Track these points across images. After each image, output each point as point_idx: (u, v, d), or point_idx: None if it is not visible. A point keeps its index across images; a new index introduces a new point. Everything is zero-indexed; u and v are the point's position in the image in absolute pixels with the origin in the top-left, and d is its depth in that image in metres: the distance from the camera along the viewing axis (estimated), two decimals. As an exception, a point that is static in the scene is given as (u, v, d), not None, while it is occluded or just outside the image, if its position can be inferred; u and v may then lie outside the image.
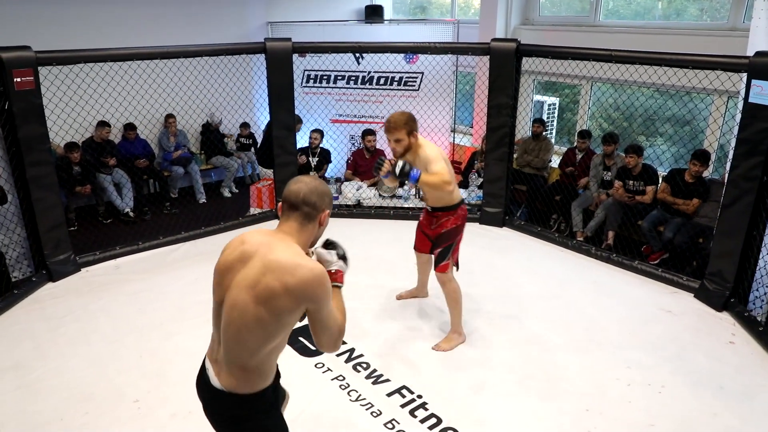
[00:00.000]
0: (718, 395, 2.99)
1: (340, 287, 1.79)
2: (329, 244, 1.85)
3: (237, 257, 1.66)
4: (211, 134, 6.59)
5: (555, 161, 5.90)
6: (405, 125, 3.00)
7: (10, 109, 3.81)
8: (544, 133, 5.82)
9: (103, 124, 5.70)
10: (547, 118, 6.29)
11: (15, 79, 3.77)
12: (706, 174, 4.67)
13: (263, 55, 5.07)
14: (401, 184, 3.15)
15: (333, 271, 1.78)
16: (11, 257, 4.11)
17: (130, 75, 5.01)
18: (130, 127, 6.04)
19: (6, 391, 2.98)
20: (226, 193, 6.78)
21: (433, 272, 3.47)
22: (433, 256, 3.37)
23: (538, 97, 6.40)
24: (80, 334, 3.52)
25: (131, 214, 5.76)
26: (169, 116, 6.25)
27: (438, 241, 3.26)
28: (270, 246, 1.64)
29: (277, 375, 1.85)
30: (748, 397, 2.98)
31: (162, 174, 6.31)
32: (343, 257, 1.83)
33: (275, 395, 1.82)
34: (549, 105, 6.34)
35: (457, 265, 3.35)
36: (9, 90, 3.77)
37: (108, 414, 2.82)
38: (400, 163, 2.93)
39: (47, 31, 5.40)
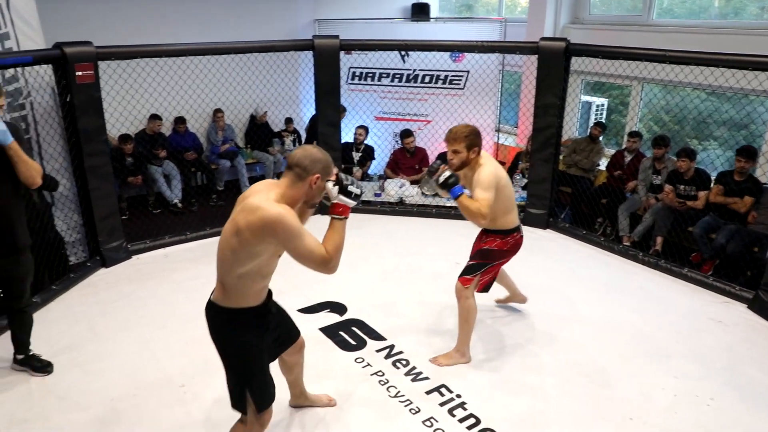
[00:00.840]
0: (773, 411, 2.85)
1: (339, 219, 2.05)
2: (339, 180, 2.08)
3: (239, 199, 2.12)
4: (256, 127, 6.69)
5: (602, 164, 5.75)
6: (465, 138, 2.85)
7: (72, 101, 3.97)
8: (600, 138, 5.67)
9: (155, 117, 5.88)
10: (595, 119, 6.13)
11: (77, 73, 3.93)
12: (762, 177, 4.46)
13: (311, 52, 5.13)
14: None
15: (335, 204, 2.07)
16: (68, 242, 4.30)
17: (183, 70, 5.14)
18: (180, 121, 6.21)
19: (62, 369, 3.12)
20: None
21: (504, 277, 3.48)
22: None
23: (585, 98, 6.24)
24: (130, 318, 3.65)
25: (179, 205, 5.92)
26: (218, 111, 6.39)
27: (474, 255, 3.15)
28: (255, 192, 2.05)
29: (267, 310, 2.18)
30: (806, 414, 2.83)
31: (209, 167, 6.46)
32: (345, 191, 2.06)
33: (259, 322, 2.14)
34: (597, 106, 6.17)
35: (485, 289, 3.22)
36: (71, 83, 3.93)
37: (155, 397, 2.91)
38: (446, 174, 2.80)
39: (104, 27, 5.61)
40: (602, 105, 6.19)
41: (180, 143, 6.26)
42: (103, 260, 4.35)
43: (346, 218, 2.07)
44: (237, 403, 2.19)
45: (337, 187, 2.08)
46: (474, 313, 3.12)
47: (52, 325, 3.54)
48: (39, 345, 3.18)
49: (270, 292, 2.23)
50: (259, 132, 6.61)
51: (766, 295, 3.72)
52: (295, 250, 1.98)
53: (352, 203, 2.08)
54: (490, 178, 2.82)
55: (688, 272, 4.24)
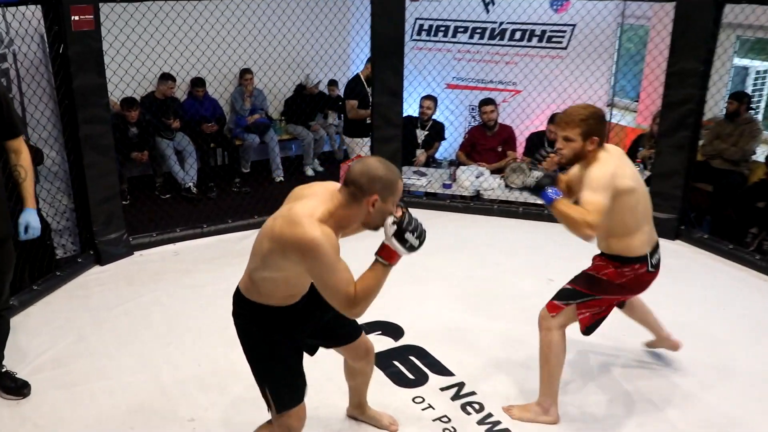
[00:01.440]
0: None
1: (383, 264, 2.22)
2: (402, 221, 2.21)
3: (295, 193, 2.37)
4: (303, 99, 6.73)
5: (761, 153, 5.47)
6: (582, 123, 2.72)
7: (65, 53, 4.10)
8: (747, 114, 5.40)
9: (166, 78, 6.04)
10: (754, 90, 5.84)
11: (73, 17, 4.05)
12: None
13: (369, -3, 5.11)
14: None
15: (386, 245, 2.22)
16: (54, 231, 4.45)
17: (206, 18, 5.23)
18: (198, 83, 6.35)
19: (43, 390, 3.20)
20: (309, 172, 6.95)
21: (644, 313, 3.36)
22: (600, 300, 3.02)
23: (740, 62, 5.95)
24: (130, 330, 3.73)
25: (194, 190, 6.06)
26: (246, 71, 6.49)
27: (576, 278, 3.01)
28: (309, 196, 2.27)
29: (299, 307, 2.42)
30: None
31: (233, 142, 6.58)
32: (399, 235, 2.18)
33: (286, 321, 2.41)
34: (757, 72, 5.89)
35: (587, 330, 3.00)
36: (66, 30, 4.05)
37: (157, 431, 2.94)
38: (538, 172, 2.77)
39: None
40: (765, 71, 5.90)
41: (197, 111, 6.40)
42: (98, 256, 4.48)
43: (391, 265, 2.23)
44: (265, 400, 2.50)
45: (395, 227, 2.19)
46: (557, 352, 2.96)
47: (32, 335, 3.66)
48: (14, 360, 3.28)
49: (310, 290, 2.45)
50: (308, 105, 6.62)
51: None
52: (320, 281, 2.19)
53: (403, 252, 2.20)
54: (603, 178, 2.66)
55: None
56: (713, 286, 4.38)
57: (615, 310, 3.11)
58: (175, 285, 4.24)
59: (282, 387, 2.44)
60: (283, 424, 2.44)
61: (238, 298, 2.44)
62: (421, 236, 2.21)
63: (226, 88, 6.51)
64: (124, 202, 5.42)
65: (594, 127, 2.73)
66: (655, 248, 2.88)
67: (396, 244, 2.19)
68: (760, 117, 5.98)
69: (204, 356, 3.48)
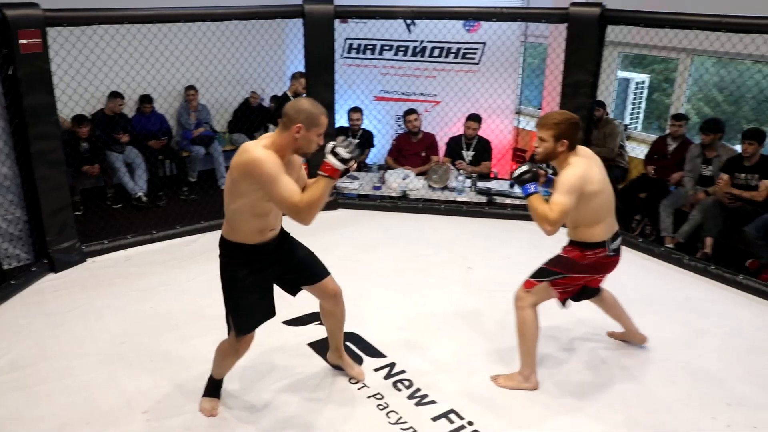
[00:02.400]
0: None
1: (323, 176, 2.44)
2: (339, 142, 2.47)
3: None
4: (250, 111, 6.62)
5: (641, 151, 5.70)
6: (555, 126, 2.80)
7: (15, 74, 3.91)
8: (605, 117, 5.64)
9: (115, 96, 5.83)
10: (634, 98, 6.08)
11: (20, 41, 3.87)
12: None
13: (300, 20, 5.07)
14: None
15: (324, 161, 2.46)
16: (7, 243, 4.23)
17: (150, 40, 5.09)
18: (145, 100, 6.16)
19: (1, 392, 3.06)
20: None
21: (614, 308, 3.39)
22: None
23: (623, 74, 6.19)
24: (85, 332, 3.60)
25: (144, 198, 5.88)
26: (190, 88, 6.34)
27: (549, 260, 3.08)
28: (258, 139, 2.55)
29: (267, 248, 2.66)
30: None
31: (180, 154, 6.42)
32: (333, 152, 2.44)
33: (252, 259, 2.64)
34: (637, 83, 6.13)
35: (563, 303, 3.12)
36: (14, 53, 3.87)
37: (113, 425, 2.85)
38: (524, 167, 2.84)
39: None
40: (642, 82, 6.15)
41: (145, 126, 6.21)
42: (52, 264, 4.30)
43: (330, 177, 2.44)
44: (227, 324, 2.76)
45: (331, 146, 2.45)
46: (531, 326, 3.04)
47: (-9, 340, 3.50)
48: (-26, 363, 3.14)
49: (282, 235, 2.76)
50: (254, 116, 6.51)
51: (837, 308, 3.66)
52: (271, 194, 2.42)
53: (339, 165, 2.44)
54: (572, 181, 2.75)
55: (744, 280, 4.19)
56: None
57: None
58: (127, 288, 4.11)
59: (242, 315, 2.70)
60: (233, 345, 2.77)
61: (221, 241, 2.66)
62: (352, 153, 2.45)
63: (171, 104, 6.33)
64: (76, 213, 5.20)
65: (565, 131, 2.79)
66: (615, 236, 2.98)
67: (332, 159, 2.43)
68: (639, 121, 6.23)
69: (156, 353, 3.39)
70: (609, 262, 3.02)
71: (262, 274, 2.70)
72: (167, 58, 5.32)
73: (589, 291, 3.21)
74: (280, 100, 5.88)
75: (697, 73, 5.65)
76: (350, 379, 3.20)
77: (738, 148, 5.22)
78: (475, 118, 5.85)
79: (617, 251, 3.01)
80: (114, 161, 5.83)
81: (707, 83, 5.58)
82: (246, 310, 2.71)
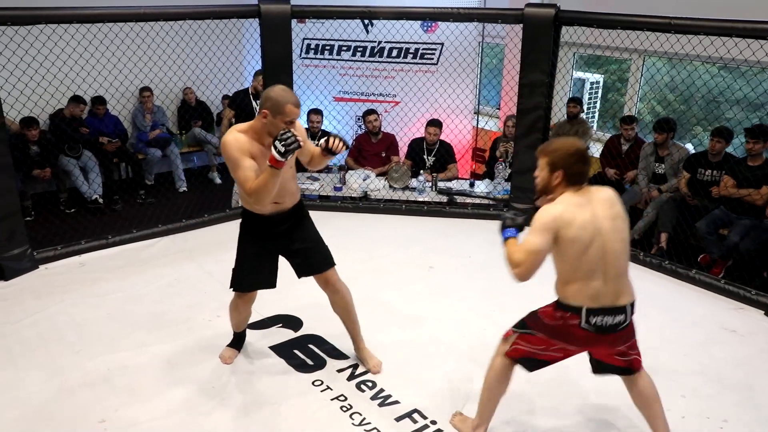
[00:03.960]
0: (793, 432, 2.91)
1: (269, 166, 2.60)
2: (279, 134, 2.60)
3: None
4: (191, 109, 6.55)
5: (596, 150, 5.83)
6: (549, 153, 2.42)
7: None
8: (581, 115, 5.76)
9: (77, 100, 5.70)
10: (589, 98, 6.22)
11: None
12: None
13: (257, 20, 5.03)
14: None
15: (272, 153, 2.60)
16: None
17: (100, 40, 4.96)
18: (98, 102, 6.02)
19: (-51, 406, 2.95)
20: (218, 179, 6.76)
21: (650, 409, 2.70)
22: None
23: (578, 74, 6.32)
24: (38, 342, 3.49)
25: (100, 201, 5.74)
26: (145, 89, 6.22)
27: (530, 311, 2.66)
28: None
29: (275, 222, 2.94)
30: (830, 434, 2.90)
31: (136, 157, 6.29)
32: (274, 145, 2.57)
33: (259, 227, 2.95)
34: (591, 83, 6.26)
35: (528, 365, 2.63)
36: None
37: (67, 436, 2.78)
38: (509, 215, 2.56)
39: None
40: (597, 82, 6.28)
41: (99, 128, 6.07)
42: (2, 272, 4.16)
43: (274, 167, 2.58)
44: None
45: (277, 140, 2.58)
46: (493, 377, 2.67)
47: (-63, 352, 3.36)
48: None
49: (296, 215, 3.00)
50: (194, 114, 6.46)
51: (783, 299, 3.81)
52: (233, 175, 2.71)
53: (276, 155, 2.56)
54: (544, 219, 2.35)
55: (696, 274, 4.32)
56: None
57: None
58: (82, 295, 4.00)
59: (238, 273, 3.02)
60: (234, 300, 3.13)
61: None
62: (289, 145, 2.55)
63: (124, 106, 6.18)
64: (27, 219, 5.05)
65: (561, 160, 2.39)
66: (604, 310, 2.41)
67: (273, 150, 2.56)
68: (595, 120, 6.38)
69: (113, 361, 3.31)
70: (581, 336, 2.45)
71: (263, 244, 2.97)
72: (119, 58, 5.21)
73: (598, 365, 2.65)
74: (238, 96, 5.78)
75: (649, 74, 5.81)
76: (313, 381, 3.19)
77: (689, 146, 5.39)
78: (435, 123, 5.87)
79: (601, 330, 2.42)
80: (66, 165, 5.67)
81: (659, 83, 5.74)
82: (241, 270, 3.01)
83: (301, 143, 2.61)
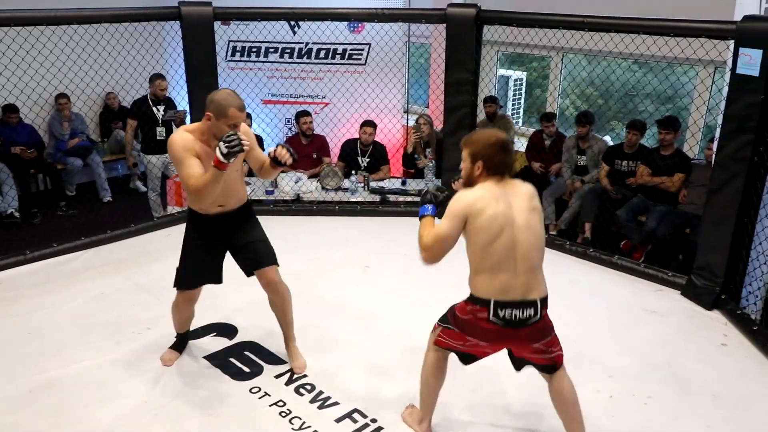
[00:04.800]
0: (712, 404, 3.09)
1: (212, 166, 2.65)
2: (223, 136, 2.65)
3: None
4: (114, 116, 6.32)
5: (521, 145, 6.00)
6: (470, 144, 2.43)
7: None
8: (500, 112, 5.92)
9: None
10: (514, 94, 6.39)
11: None
12: (689, 153, 4.86)
13: (177, 21, 4.90)
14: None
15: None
16: None
17: (7, 45, 4.70)
18: (10, 109, 5.72)
19: None
20: (142, 188, 6.55)
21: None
22: None
23: (502, 72, 6.49)
24: (-49, 367, 3.28)
25: (16, 215, 5.46)
26: (61, 96, 5.96)
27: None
28: None
29: (217, 221, 3.01)
30: (745, 405, 3.09)
31: (54, 167, 6.02)
32: (218, 146, 2.63)
33: (201, 226, 3.02)
34: (515, 80, 6.44)
35: (461, 357, 2.65)
36: None
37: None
38: (432, 185, 2.67)
39: None
40: (520, 79, 6.47)
41: (11, 138, 5.77)
42: None
43: (217, 168, 2.63)
44: None
45: (222, 142, 2.62)
46: (427, 371, 2.68)
47: None
48: None
49: (241, 216, 3.07)
50: (117, 118, 6.25)
51: (698, 279, 4.04)
52: (178, 172, 2.81)
53: (219, 157, 2.61)
54: (455, 206, 2.36)
55: (618, 260, 4.52)
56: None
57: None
58: (-1, 315, 3.79)
59: (180, 270, 3.10)
60: (175, 299, 3.19)
61: None
62: (233, 148, 2.59)
63: (37, 114, 5.89)
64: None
65: (481, 151, 2.37)
66: (512, 304, 2.37)
67: (216, 151, 2.61)
68: (520, 116, 6.57)
69: (36, 382, 3.14)
70: (489, 331, 2.41)
71: (208, 243, 3.04)
72: (29, 64, 4.95)
73: (519, 363, 2.63)
74: (137, 105, 5.58)
75: (568, 70, 6.04)
76: (251, 389, 3.14)
77: (607, 138, 5.63)
78: (370, 124, 5.88)
79: (510, 324, 2.38)
80: (-25, 178, 5.37)
81: (578, 79, 5.96)
82: (184, 268, 3.09)
83: (246, 147, 2.64)
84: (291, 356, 3.33)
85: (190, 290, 3.13)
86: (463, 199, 2.36)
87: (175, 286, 3.11)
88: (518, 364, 2.65)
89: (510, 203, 2.38)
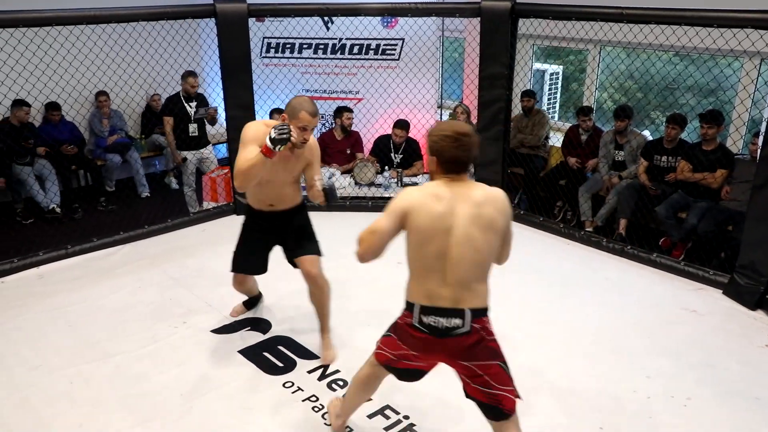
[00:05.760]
0: (754, 407, 2.99)
1: (260, 153, 2.83)
2: (275, 126, 2.87)
3: None
4: (156, 117, 6.40)
5: (557, 139, 5.90)
6: (427, 138, 2.24)
7: None
8: (536, 106, 5.83)
9: (20, 104, 5.52)
10: (550, 89, 6.29)
11: None
12: (732, 147, 4.71)
13: (212, 19, 4.95)
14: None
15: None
16: None
17: (49, 44, 4.81)
18: (52, 107, 5.86)
19: None
20: (174, 184, 6.65)
21: None
22: None
23: (538, 66, 6.38)
24: (-6, 357, 3.38)
25: (58, 210, 5.60)
26: (101, 94, 6.08)
27: None
28: None
29: (264, 216, 3.25)
30: (788, 408, 2.99)
31: (94, 163, 6.16)
32: (269, 133, 2.83)
33: (251, 218, 3.30)
34: (551, 74, 6.33)
35: (393, 372, 2.44)
36: None
37: (30, 453, 2.70)
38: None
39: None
40: (557, 73, 6.35)
41: (54, 135, 5.93)
42: (-43, 287, 4.03)
43: (265, 155, 2.81)
44: None
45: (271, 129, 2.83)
46: (356, 382, 2.59)
47: None
48: None
49: (289, 215, 3.26)
50: (159, 121, 6.32)
51: (741, 278, 3.92)
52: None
53: (267, 143, 2.80)
54: (394, 203, 2.22)
55: (657, 257, 4.41)
56: (529, 252, 4.59)
57: None
58: (40, 308, 3.88)
59: (236, 255, 3.36)
60: (234, 279, 3.49)
61: None
62: (281, 134, 2.78)
63: (78, 111, 6.02)
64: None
65: (435, 144, 2.19)
66: (438, 310, 2.17)
67: (267, 139, 2.79)
68: (556, 110, 6.46)
69: (75, 374, 3.22)
70: (414, 337, 2.23)
71: (258, 235, 3.28)
72: (70, 63, 5.07)
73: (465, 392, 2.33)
74: (171, 101, 5.65)
75: (606, 63, 5.90)
76: (284, 383, 3.16)
77: (646, 133, 5.49)
78: (401, 125, 5.86)
79: (435, 332, 2.18)
80: (20, 173, 5.52)
81: (616, 72, 5.83)
82: (237, 254, 3.35)
83: (293, 139, 2.84)
84: (323, 346, 3.41)
85: (238, 273, 3.43)
86: (402, 196, 2.23)
87: (231, 269, 3.40)
88: (466, 393, 2.35)
89: (453, 208, 2.15)
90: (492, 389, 2.24)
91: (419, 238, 2.17)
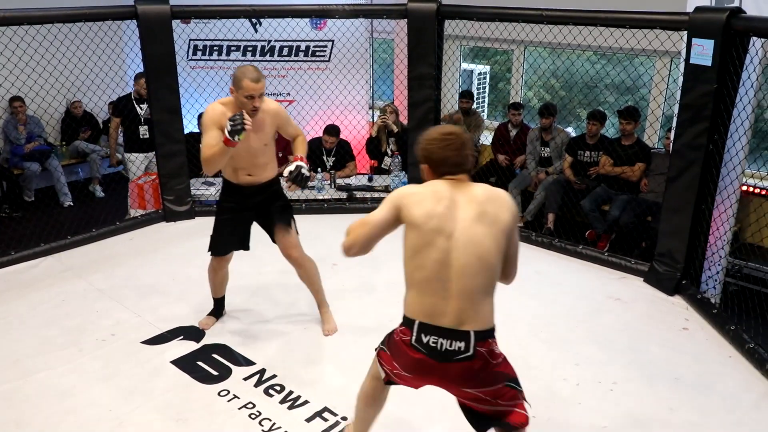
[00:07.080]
0: (675, 388, 3.16)
1: (222, 142, 2.90)
2: (231, 117, 2.91)
3: None
4: (75, 121, 6.20)
5: (486, 138, 6.04)
6: (419, 146, 2.13)
7: None
8: (473, 107, 5.96)
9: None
10: (478, 88, 6.43)
11: None
12: (648, 142, 4.96)
13: (134, 21, 4.81)
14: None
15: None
16: None
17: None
18: (-38, 115, 5.56)
19: None
20: (99, 192, 6.43)
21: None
22: None
23: (466, 66, 6.51)
24: None
25: (-29, 225, 5.31)
26: (15, 99, 5.80)
27: None
28: None
29: (243, 191, 3.27)
30: (706, 387, 3.17)
31: (11, 172, 5.86)
32: (226, 126, 2.88)
33: (230, 193, 3.31)
34: (479, 74, 6.47)
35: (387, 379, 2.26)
36: None
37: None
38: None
39: None
40: (484, 73, 6.50)
41: (-36, 144, 5.60)
42: None
43: (225, 144, 2.88)
44: None
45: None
46: (362, 397, 2.41)
47: None
48: None
49: (269, 189, 3.33)
50: (81, 126, 6.13)
51: (660, 266, 4.13)
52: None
53: (226, 135, 2.86)
54: (390, 195, 2.12)
55: (583, 249, 4.59)
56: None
57: None
58: (-45, 326, 3.67)
59: (212, 236, 3.37)
60: (210, 263, 3.47)
61: None
62: (235, 126, 2.84)
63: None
64: None
65: (424, 150, 2.10)
66: (440, 330, 1.98)
67: (225, 132, 2.86)
68: (485, 109, 6.61)
69: (-4, 394, 3.07)
70: (410, 357, 2.04)
71: (236, 212, 3.30)
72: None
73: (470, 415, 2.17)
74: (121, 102, 5.54)
75: (532, 63, 6.09)
76: (219, 392, 3.10)
77: (569, 129, 5.71)
78: (331, 132, 5.83)
79: (434, 353, 1.99)
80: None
81: (539, 72, 6.02)
82: (215, 234, 3.35)
83: (247, 127, 2.87)
84: (322, 320, 3.63)
85: (218, 255, 3.39)
86: (400, 189, 2.12)
87: (209, 251, 3.38)
88: (474, 421, 2.17)
89: (453, 210, 2.01)
90: (495, 405, 2.09)
91: (417, 238, 2.00)
